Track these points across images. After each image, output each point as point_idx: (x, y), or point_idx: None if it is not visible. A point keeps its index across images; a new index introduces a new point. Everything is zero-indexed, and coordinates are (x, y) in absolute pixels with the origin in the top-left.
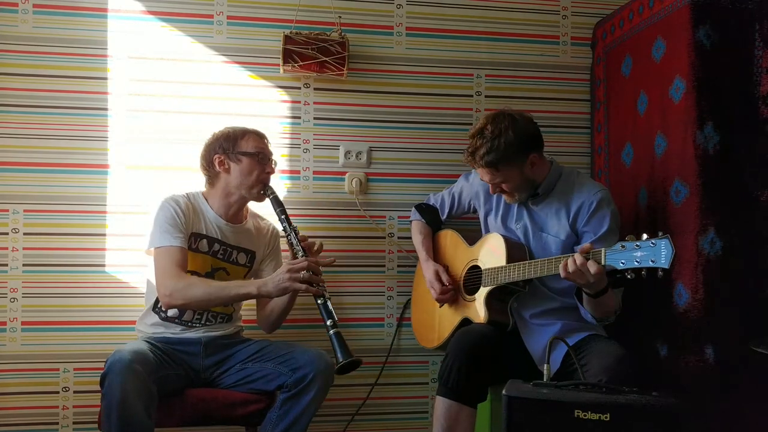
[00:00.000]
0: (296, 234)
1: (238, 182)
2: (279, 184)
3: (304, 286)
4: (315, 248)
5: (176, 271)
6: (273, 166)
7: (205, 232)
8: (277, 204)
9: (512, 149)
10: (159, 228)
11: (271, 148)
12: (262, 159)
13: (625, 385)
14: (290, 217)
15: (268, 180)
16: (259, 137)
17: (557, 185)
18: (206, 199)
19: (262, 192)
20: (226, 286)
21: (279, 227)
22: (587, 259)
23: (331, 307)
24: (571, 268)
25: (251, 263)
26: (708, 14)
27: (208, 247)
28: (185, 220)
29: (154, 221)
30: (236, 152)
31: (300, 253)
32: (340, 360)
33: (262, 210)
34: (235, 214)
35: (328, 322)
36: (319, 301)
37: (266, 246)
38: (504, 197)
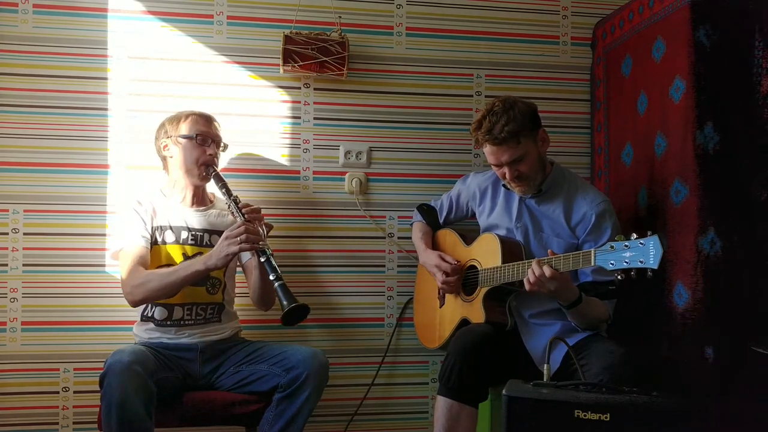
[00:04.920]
0: (236, 202)
1: (179, 165)
2: (279, 184)
3: (238, 247)
4: (256, 214)
5: (134, 269)
6: (217, 149)
7: (167, 224)
8: (218, 179)
9: (528, 117)
10: (120, 233)
11: (221, 132)
12: (201, 141)
13: (625, 385)
14: (233, 189)
15: (210, 162)
16: (203, 119)
17: (562, 186)
18: (163, 191)
19: (204, 174)
20: (176, 270)
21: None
22: (542, 266)
23: (274, 262)
24: (531, 278)
25: None
26: (708, 14)
27: (174, 236)
28: (146, 218)
29: (116, 225)
30: (176, 136)
31: (239, 219)
32: (285, 306)
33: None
34: (194, 198)
35: (271, 276)
36: (261, 259)
37: None
38: (516, 189)
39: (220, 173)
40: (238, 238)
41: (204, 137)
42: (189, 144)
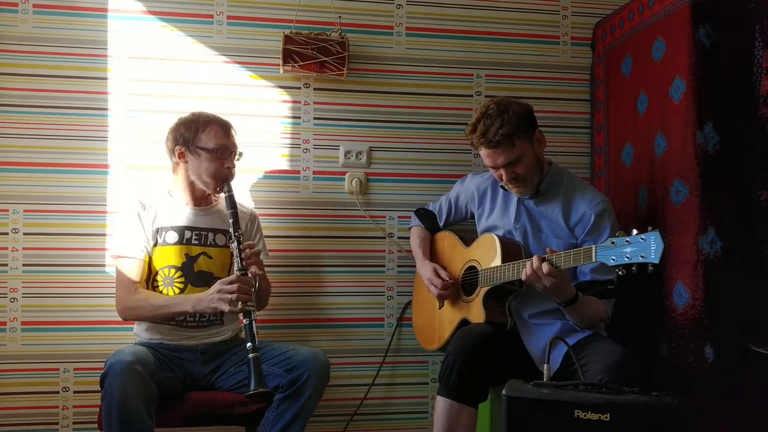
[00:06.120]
0: (239, 241)
1: (195, 174)
2: (279, 184)
3: (227, 308)
4: (255, 258)
5: (130, 287)
6: (235, 159)
7: (170, 224)
8: (230, 205)
9: (522, 119)
10: (118, 234)
11: (237, 139)
12: (221, 155)
13: (625, 385)
14: (239, 223)
15: (228, 176)
16: (223, 129)
17: (560, 187)
18: (169, 191)
19: (219, 188)
20: (167, 305)
21: (251, 207)
22: (542, 261)
23: (255, 329)
24: (528, 270)
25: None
26: (708, 14)
27: (178, 236)
28: (147, 224)
29: (117, 226)
30: (195, 146)
31: (237, 265)
32: (251, 388)
33: (237, 193)
34: (201, 198)
35: (248, 344)
36: (244, 321)
37: (245, 231)
38: (513, 190)
39: (234, 197)
40: (229, 296)
41: (224, 151)
42: (208, 156)
